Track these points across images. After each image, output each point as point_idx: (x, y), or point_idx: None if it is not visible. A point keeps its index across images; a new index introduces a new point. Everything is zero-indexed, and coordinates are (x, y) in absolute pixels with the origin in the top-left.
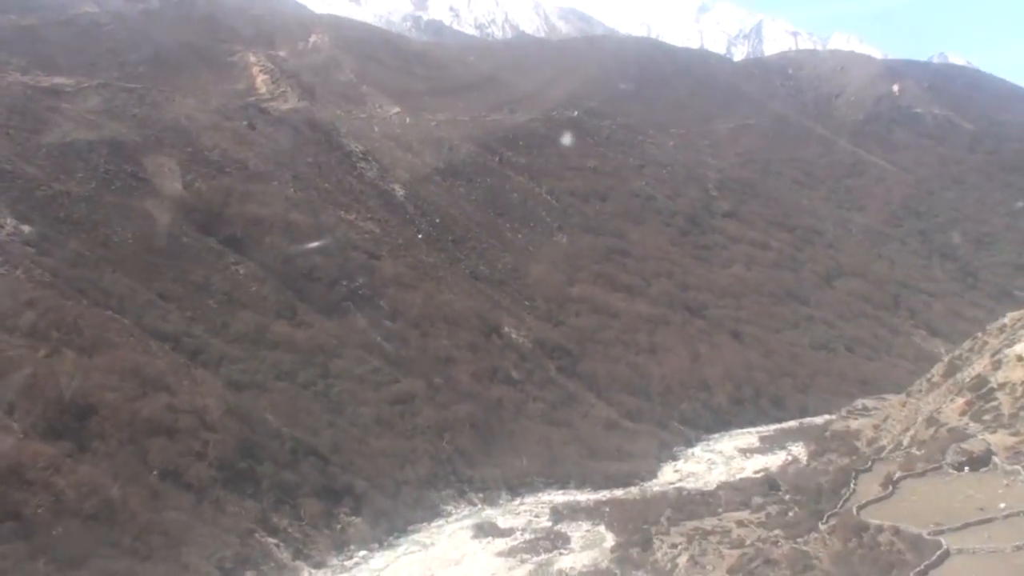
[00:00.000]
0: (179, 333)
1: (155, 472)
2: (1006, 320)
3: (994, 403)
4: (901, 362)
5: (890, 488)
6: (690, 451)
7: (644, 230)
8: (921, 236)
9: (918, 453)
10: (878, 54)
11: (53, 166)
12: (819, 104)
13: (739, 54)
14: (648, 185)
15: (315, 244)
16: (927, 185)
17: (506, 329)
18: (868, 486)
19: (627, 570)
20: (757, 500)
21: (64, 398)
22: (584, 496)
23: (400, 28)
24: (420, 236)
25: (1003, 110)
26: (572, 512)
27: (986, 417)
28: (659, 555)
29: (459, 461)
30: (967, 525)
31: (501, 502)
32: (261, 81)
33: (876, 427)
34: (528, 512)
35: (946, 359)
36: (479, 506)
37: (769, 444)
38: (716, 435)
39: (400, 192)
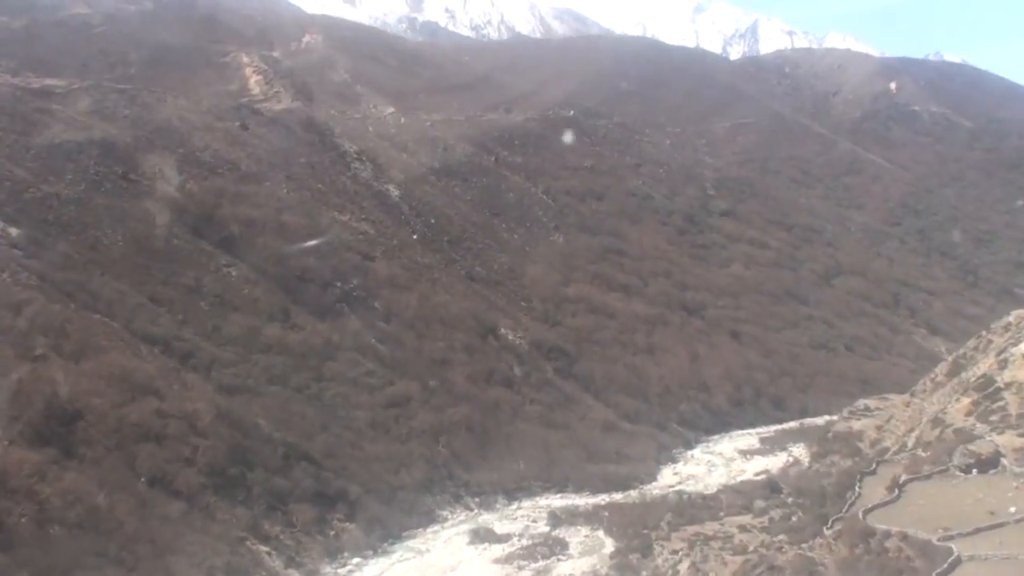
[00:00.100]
0: (169, 337)
1: (143, 479)
2: (1011, 318)
3: (1001, 403)
4: (902, 361)
5: (896, 491)
6: (689, 453)
7: (641, 229)
8: (920, 234)
9: (924, 455)
10: (874, 53)
11: (42, 168)
12: (816, 102)
13: (735, 54)
14: (645, 184)
15: (309, 245)
16: (926, 183)
17: (502, 330)
18: (873, 489)
19: None
20: (759, 504)
21: (50, 404)
22: (582, 500)
23: (396, 29)
24: (415, 237)
25: (1001, 107)
26: (570, 517)
27: (993, 417)
28: (660, 561)
29: (455, 465)
30: (978, 530)
31: (498, 507)
32: (254, 82)
33: (879, 428)
34: (525, 517)
35: (950, 358)
36: (475, 511)
37: (770, 445)
38: (716, 436)
39: (395, 192)
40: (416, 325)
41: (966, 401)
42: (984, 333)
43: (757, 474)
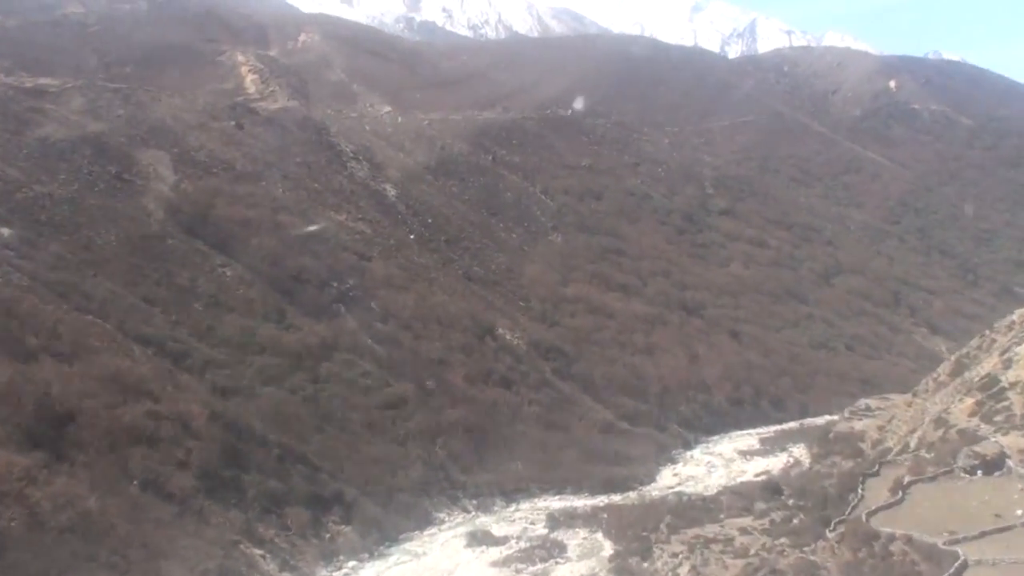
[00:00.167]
0: (163, 337)
1: (135, 482)
2: (1015, 317)
3: (1005, 403)
4: (902, 361)
5: (900, 493)
6: (689, 454)
7: (640, 229)
8: (920, 233)
9: (927, 456)
10: (873, 52)
11: (35, 168)
12: (815, 101)
13: (733, 53)
14: (644, 183)
15: (304, 244)
16: (925, 181)
17: (500, 330)
18: (876, 491)
19: None
20: (760, 505)
21: (41, 406)
22: (581, 502)
23: (393, 29)
24: (412, 236)
25: (1001, 106)
26: (569, 519)
27: (997, 418)
28: (659, 564)
29: (452, 467)
30: (984, 534)
31: (496, 509)
32: (250, 80)
33: (881, 428)
34: (523, 519)
35: (953, 357)
36: (473, 513)
37: (770, 446)
38: (715, 437)
39: (391, 192)
40: (413, 325)
41: (970, 401)
42: (987, 332)
43: (757, 475)
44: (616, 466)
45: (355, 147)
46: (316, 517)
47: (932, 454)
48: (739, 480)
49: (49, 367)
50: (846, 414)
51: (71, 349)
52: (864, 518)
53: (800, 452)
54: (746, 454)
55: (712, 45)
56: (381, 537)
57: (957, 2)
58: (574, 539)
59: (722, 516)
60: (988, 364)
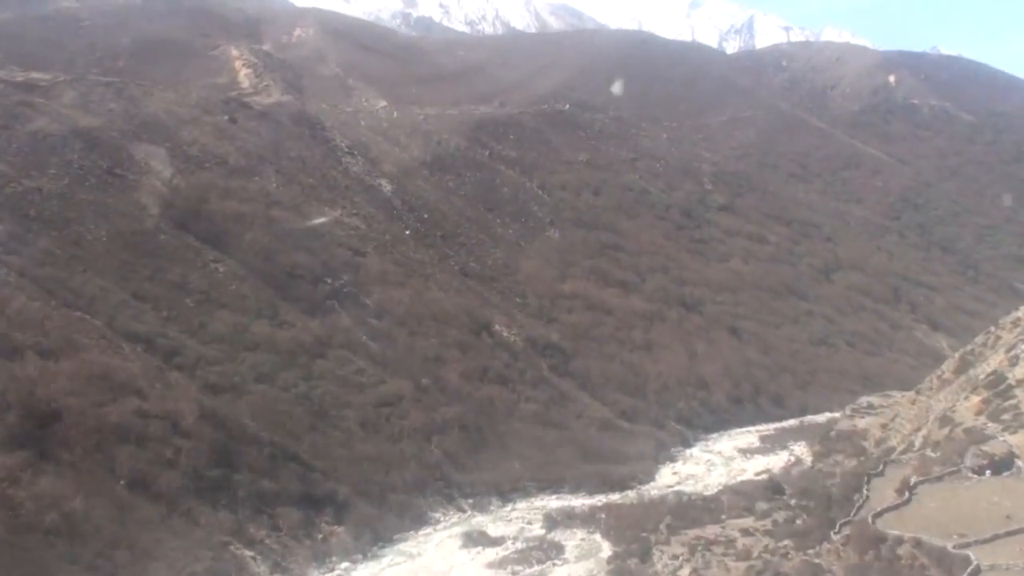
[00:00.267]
0: (153, 334)
1: (122, 482)
2: (1020, 313)
3: (1012, 401)
4: (903, 357)
5: (907, 494)
6: (688, 452)
7: (638, 224)
8: (920, 229)
9: (933, 455)
10: (872, 48)
11: (24, 162)
12: (814, 96)
13: (730, 49)
14: (642, 179)
15: (298, 239)
16: (925, 177)
17: (497, 327)
18: (882, 491)
19: None
20: (761, 505)
21: (27, 404)
22: (579, 501)
23: (390, 25)
24: (407, 232)
25: (1001, 101)
26: (566, 519)
27: (1005, 416)
28: (659, 567)
29: (448, 465)
30: (995, 537)
31: (492, 508)
32: (244, 75)
33: (884, 426)
34: (520, 519)
35: (957, 354)
36: (469, 513)
37: (770, 444)
38: (715, 435)
39: (387, 187)
40: (408, 322)
41: (976, 399)
42: (992, 329)
43: (758, 474)
44: (614, 464)
45: (350, 142)
46: (308, 517)
47: (938, 453)
48: (739, 479)
49: (35, 364)
50: (848, 412)
51: (58, 346)
52: (870, 520)
53: (801, 450)
54: (746, 452)
55: (710, 41)
56: (375, 538)
57: None
58: (572, 540)
59: (723, 516)
60: (994, 361)
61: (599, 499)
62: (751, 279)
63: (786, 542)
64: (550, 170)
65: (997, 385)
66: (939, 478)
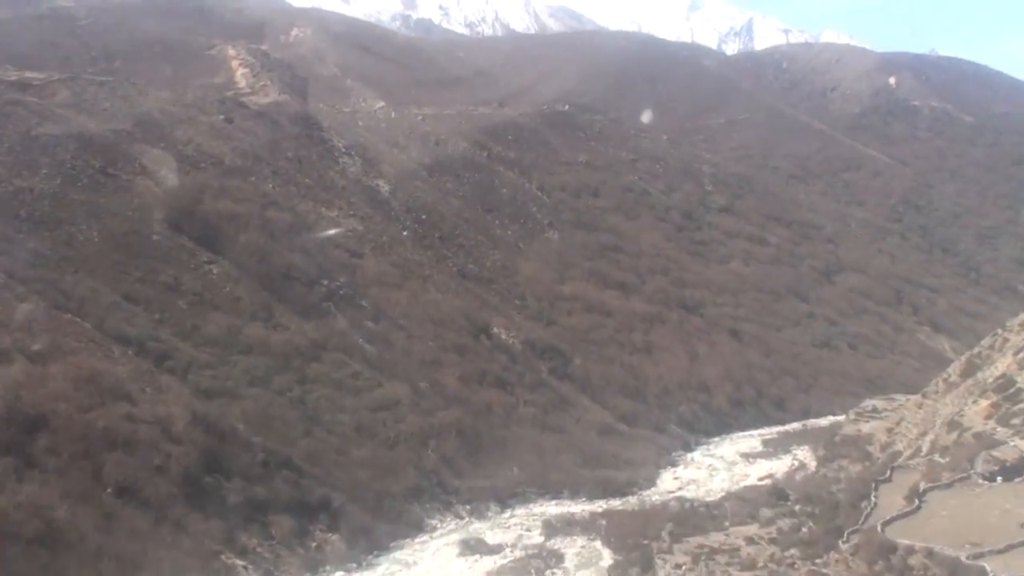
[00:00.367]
0: (144, 337)
1: (109, 489)
2: None
3: (1022, 405)
4: (906, 360)
5: (916, 501)
6: (689, 456)
7: (638, 226)
8: (922, 230)
9: (942, 461)
10: (871, 49)
11: (15, 162)
12: (814, 98)
13: (730, 52)
14: (641, 180)
15: (293, 240)
16: (926, 178)
17: (495, 329)
18: (890, 498)
19: None
20: (766, 512)
21: (11, 409)
22: (579, 507)
23: (390, 27)
24: (405, 233)
25: (1002, 102)
26: (566, 526)
27: (1015, 421)
28: None
29: (445, 471)
30: (1010, 547)
31: (490, 515)
32: (240, 75)
33: (890, 431)
34: (519, 526)
35: (963, 357)
36: (466, 520)
37: (773, 448)
38: (716, 439)
39: (384, 188)
40: (405, 324)
41: (985, 403)
42: (1000, 331)
43: (761, 479)
44: (615, 469)
45: (348, 142)
46: (302, 525)
47: (947, 459)
48: (742, 484)
49: (21, 368)
50: (852, 416)
51: (46, 349)
52: (879, 528)
53: (805, 455)
54: (748, 456)
55: (709, 44)
56: (370, 545)
57: (952, 1)
58: (572, 548)
59: (726, 523)
60: (1002, 364)
61: (599, 505)
62: (752, 281)
63: (792, 551)
64: (549, 171)
65: (1006, 389)
66: (949, 484)
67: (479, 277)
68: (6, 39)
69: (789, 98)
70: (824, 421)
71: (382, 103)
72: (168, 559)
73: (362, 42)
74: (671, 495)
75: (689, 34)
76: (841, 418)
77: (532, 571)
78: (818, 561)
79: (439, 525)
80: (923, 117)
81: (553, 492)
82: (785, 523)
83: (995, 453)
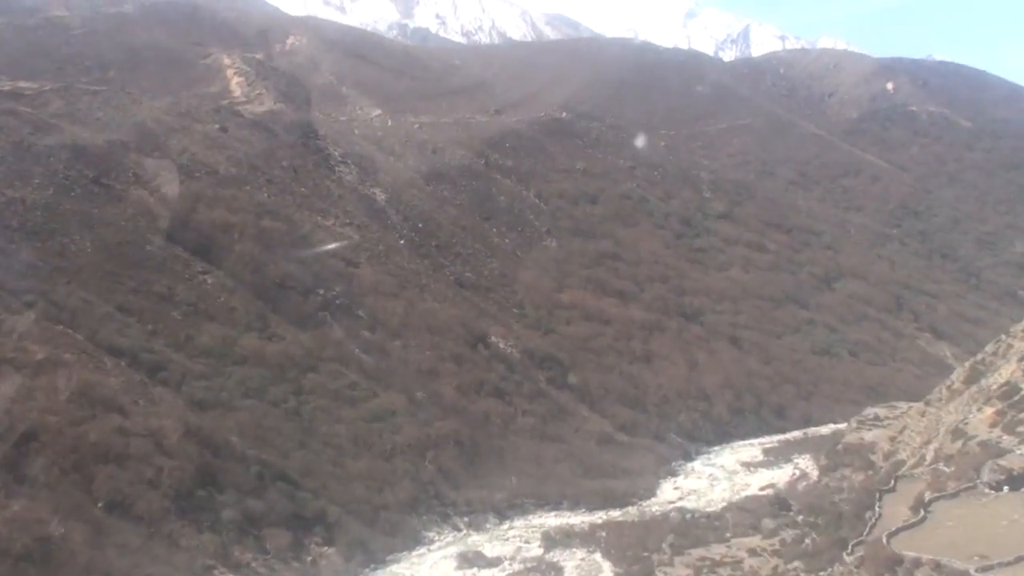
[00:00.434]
0: (137, 348)
1: (100, 504)
2: None
3: None
4: (907, 367)
5: (921, 512)
6: (690, 466)
7: (636, 233)
8: (921, 236)
9: (947, 470)
10: (869, 55)
11: (7, 172)
12: (812, 103)
13: (727, 59)
14: (640, 187)
15: (289, 249)
16: (925, 184)
17: (493, 338)
18: (894, 508)
19: None
20: (768, 523)
21: (1, 423)
22: (578, 518)
23: (386, 36)
24: (402, 242)
25: (1000, 107)
26: (565, 537)
27: (1021, 428)
28: None
29: (442, 483)
30: (1020, 559)
31: (488, 527)
32: (236, 83)
33: (893, 439)
34: (517, 538)
35: (967, 364)
36: (464, 532)
37: (774, 457)
38: (716, 448)
39: (381, 196)
40: (402, 334)
41: (989, 411)
42: (1003, 337)
43: (763, 488)
44: (614, 479)
45: (344, 151)
46: (297, 539)
47: (952, 468)
48: (743, 494)
49: (12, 380)
50: (854, 424)
51: (36, 361)
52: (885, 540)
53: (806, 464)
54: (749, 466)
55: (706, 51)
56: (366, 559)
57: (949, 7)
58: (571, 560)
59: (728, 535)
60: (1007, 371)
61: (599, 516)
62: (751, 288)
63: (796, 563)
64: (547, 179)
65: (1011, 396)
66: (955, 494)
67: (477, 286)
68: (1, 48)
69: (787, 104)
70: (825, 429)
71: (379, 112)
72: (160, 574)
73: (358, 51)
74: (671, 505)
75: (686, 41)
76: (842, 426)
77: None
78: (822, 573)
79: (437, 538)
80: (921, 122)
81: (552, 503)
82: (788, 534)
83: (1001, 462)
